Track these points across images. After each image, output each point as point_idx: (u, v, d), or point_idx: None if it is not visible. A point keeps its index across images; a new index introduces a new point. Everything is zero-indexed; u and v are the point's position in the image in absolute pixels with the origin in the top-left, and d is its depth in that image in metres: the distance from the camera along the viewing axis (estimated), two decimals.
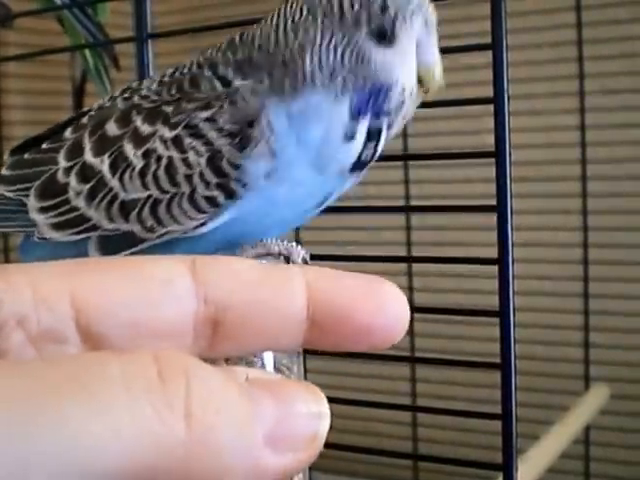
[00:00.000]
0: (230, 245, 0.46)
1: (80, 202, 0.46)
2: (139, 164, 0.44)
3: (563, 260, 1.28)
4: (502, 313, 0.51)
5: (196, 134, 0.43)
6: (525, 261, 1.26)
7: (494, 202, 0.52)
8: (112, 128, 0.46)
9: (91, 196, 0.46)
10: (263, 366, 0.35)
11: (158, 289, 0.22)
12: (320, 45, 0.43)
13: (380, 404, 0.65)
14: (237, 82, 0.44)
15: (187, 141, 0.43)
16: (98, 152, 0.46)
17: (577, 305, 1.27)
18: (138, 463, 0.18)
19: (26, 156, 0.50)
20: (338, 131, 0.44)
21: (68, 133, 0.49)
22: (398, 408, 0.84)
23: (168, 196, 0.43)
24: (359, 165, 0.46)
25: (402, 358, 0.93)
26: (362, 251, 1.31)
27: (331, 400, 0.21)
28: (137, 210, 0.44)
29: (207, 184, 0.42)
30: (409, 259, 1.12)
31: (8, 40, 1.32)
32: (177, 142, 0.43)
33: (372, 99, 0.43)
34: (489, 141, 0.53)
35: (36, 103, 1.47)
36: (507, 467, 0.54)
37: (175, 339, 0.22)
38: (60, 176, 0.47)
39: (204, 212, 0.43)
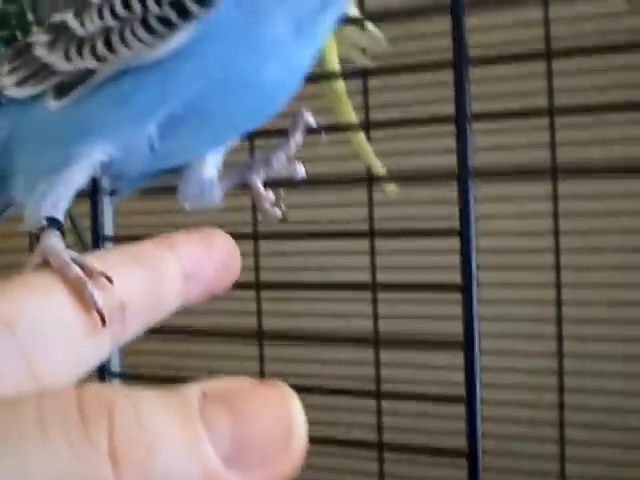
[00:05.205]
0: (188, 92, 0.41)
1: (41, 51, 0.45)
2: (97, 1, 0.43)
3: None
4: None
5: None
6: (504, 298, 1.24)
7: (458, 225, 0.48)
8: None
9: (53, 43, 0.45)
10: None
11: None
12: None
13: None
14: None
15: None
16: (66, 10, 0.45)
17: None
18: None
19: None
20: None
21: None
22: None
23: (121, 24, 0.41)
24: None
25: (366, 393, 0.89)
26: (325, 277, 1.28)
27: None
28: (92, 44, 0.42)
29: (159, 4, 0.40)
30: (371, 286, 1.08)
31: None
32: None
33: None
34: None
35: None
36: None
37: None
38: (29, 39, 0.47)
39: (157, 35, 0.40)
